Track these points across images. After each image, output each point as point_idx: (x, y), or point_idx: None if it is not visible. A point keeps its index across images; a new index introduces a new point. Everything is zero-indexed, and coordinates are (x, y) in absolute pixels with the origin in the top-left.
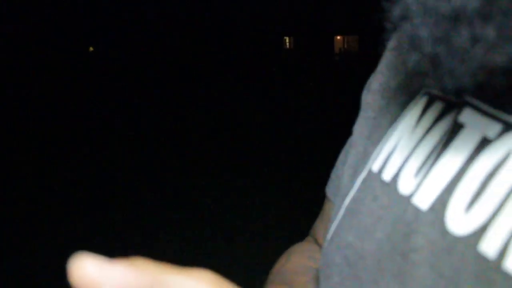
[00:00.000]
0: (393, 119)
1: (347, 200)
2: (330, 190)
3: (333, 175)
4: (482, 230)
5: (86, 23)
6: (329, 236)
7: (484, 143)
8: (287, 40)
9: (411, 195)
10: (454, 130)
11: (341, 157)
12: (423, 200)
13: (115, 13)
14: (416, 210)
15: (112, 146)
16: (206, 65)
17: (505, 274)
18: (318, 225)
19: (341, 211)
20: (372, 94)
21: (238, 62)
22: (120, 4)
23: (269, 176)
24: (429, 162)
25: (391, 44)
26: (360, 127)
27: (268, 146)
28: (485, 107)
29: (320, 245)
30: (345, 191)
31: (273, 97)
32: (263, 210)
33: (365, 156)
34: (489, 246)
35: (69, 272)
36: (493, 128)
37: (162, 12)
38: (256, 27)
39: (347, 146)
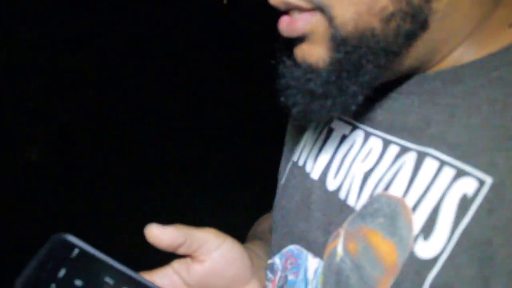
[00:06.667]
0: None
1: (282, 181)
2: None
3: None
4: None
5: None
6: (275, 203)
7: (343, 138)
8: None
9: (309, 173)
10: (328, 132)
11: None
12: (315, 173)
13: None
14: (312, 181)
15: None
16: None
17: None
18: None
19: (280, 188)
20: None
21: None
22: None
23: None
24: (317, 151)
25: None
26: (290, 126)
27: None
28: (345, 118)
29: None
30: (282, 175)
31: None
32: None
33: (291, 150)
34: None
35: (147, 234)
36: (347, 128)
37: None
38: None
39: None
